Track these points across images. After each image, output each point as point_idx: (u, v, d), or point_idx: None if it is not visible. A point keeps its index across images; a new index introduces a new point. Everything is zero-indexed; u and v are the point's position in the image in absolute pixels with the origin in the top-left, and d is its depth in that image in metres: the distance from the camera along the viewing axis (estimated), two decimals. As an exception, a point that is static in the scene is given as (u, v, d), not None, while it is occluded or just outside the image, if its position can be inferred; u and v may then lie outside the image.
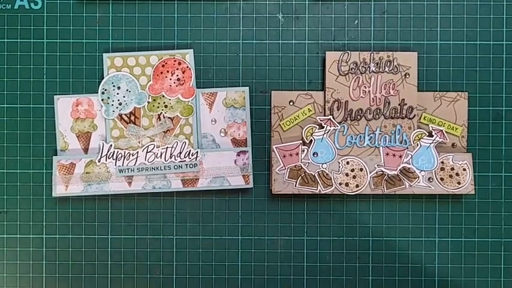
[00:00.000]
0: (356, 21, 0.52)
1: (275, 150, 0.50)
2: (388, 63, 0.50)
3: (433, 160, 0.50)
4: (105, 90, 0.50)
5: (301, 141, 0.50)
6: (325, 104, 0.51)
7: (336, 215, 0.52)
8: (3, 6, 0.52)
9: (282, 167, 0.50)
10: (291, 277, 0.52)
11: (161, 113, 0.51)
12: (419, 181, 0.50)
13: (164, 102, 0.51)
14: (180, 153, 0.50)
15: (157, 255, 0.52)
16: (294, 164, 0.50)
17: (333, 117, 0.50)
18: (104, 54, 0.51)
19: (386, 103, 0.50)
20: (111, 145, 0.50)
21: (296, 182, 0.50)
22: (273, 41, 0.52)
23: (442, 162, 0.50)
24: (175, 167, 0.50)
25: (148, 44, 0.52)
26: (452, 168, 0.50)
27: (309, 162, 0.50)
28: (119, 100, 0.50)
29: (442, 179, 0.50)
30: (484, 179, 0.52)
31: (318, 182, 0.50)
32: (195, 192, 0.52)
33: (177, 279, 0.52)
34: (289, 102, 0.51)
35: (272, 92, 0.51)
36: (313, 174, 0.50)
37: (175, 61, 0.51)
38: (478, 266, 0.52)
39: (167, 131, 0.51)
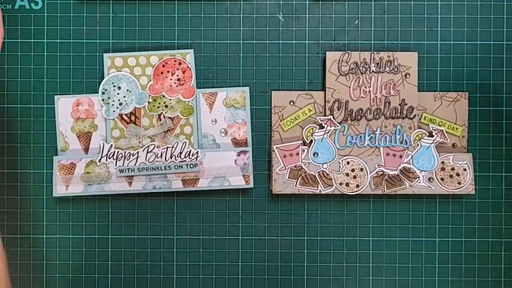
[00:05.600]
0: (356, 21, 0.52)
1: (275, 150, 0.50)
2: (389, 63, 0.50)
3: (433, 160, 0.50)
4: (106, 90, 0.50)
5: (301, 141, 0.50)
6: (325, 104, 0.51)
7: (336, 215, 0.52)
8: (4, 7, 0.52)
9: (283, 167, 0.50)
10: (291, 277, 0.52)
11: (161, 113, 0.51)
12: (419, 181, 0.50)
13: (164, 102, 0.51)
14: (181, 153, 0.50)
15: (157, 255, 0.52)
16: (294, 164, 0.50)
17: (333, 117, 0.50)
18: (104, 54, 0.51)
19: (387, 103, 0.50)
20: (111, 145, 0.50)
21: (296, 182, 0.50)
22: (274, 41, 0.52)
23: (443, 162, 0.50)
24: (176, 167, 0.50)
25: (148, 44, 0.52)
26: (453, 168, 0.50)
27: (309, 162, 0.50)
28: (119, 100, 0.51)
29: (442, 179, 0.50)
30: (485, 179, 0.52)
31: (318, 182, 0.50)
32: (195, 192, 0.52)
33: (178, 279, 0.52)
34: (290, 102, 0.51)
35: (272, 92, 0.51)
36: (313, 174, 0.50)
37: (175, 61, 0.51)
38: (478, 266, 0.52)
39: (167, 131, 0.51)
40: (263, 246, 0.52)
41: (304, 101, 0.51)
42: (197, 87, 0.51)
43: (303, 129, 0.51)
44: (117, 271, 0.52)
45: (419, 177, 0.50)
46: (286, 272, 0.52)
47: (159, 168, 0.50)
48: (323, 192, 0.50)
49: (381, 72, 0.50)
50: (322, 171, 0.50)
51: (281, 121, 0.51)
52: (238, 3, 0.52)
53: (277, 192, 0.50)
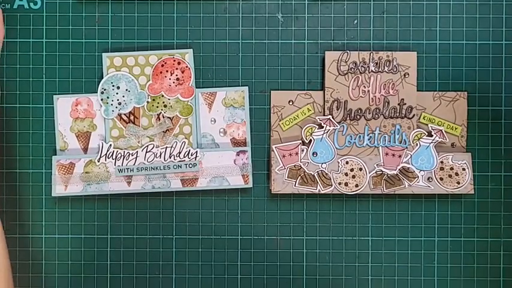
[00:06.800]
0: (355, 21, 0.52)
1: (275, 150, 0.50)
2: (388, 63, 0.50)
3: (432, 160, 0.50)
4: (105, 90, 0.50)
5: (300, 141, 0.50)
6: (324, 104, 0.51)
7: (336, 214, 0.52)
8: (3, 6, 0.51)
9: (282, 166, 0.50)
10: (291, 277, 0.52)
11: (160, 112, 0.51)
12: (418, 181, 0.50)
13: (163, 102, 0.51)
14: (180, 153, 0.50)
15: (156, 254, 0.52)
16: (293, 164, 0.50)
17: (333, 117, 0.50)
18: (103, 54, 0.51)
19: (386, 103, 0.50)
20: (110, 145, 0.50)
21: (296, 182, 0.50)
22: (273, 41, 0.52)
23: (442, 162, 0.50)
24: (175, 166, 0.50)
25: (147, 44, 0.52)
26: (452, 168, 0.50)
27: (308, 162, 0.50)
28: (118, 100, 0.50)
29: (441, 178, 0.50)
30: (483, 178, 0.52)
31: (317, 182, 0.50)
32: (194, 192, 0.52)
33: (177, 279, 0.52)
34: (289, 102, 0.51)
35: (271, 91, 0.51)
36: (312, 174, 0.50)
37: (174, 61, 0.51)
38: (478, 265, 0.52)
39: (166, 130, 0.51)
40: (262, 245, 0.52)
41: (303, 101, 0.51)
42: (196, 87, 0.51)
43: (302, 129, 0.51)
44: (116, 271, 0.52)
45: (418, 177, 0.50)
46: (285, 271, 0.52)
47: (158, 168, 0.50)
48: (322, 192, 0.50)
49: (380, 72, 0.50)
50: (321, 170, 0.50)
51: (280, 121, 0.51)
52: (237, 2, 0.52)
53: (276, 192, 0.50)
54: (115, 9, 0.52)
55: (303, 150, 0.50)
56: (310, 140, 0.51)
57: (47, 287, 0.52)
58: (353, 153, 0.51)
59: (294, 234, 0.52)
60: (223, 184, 0.51)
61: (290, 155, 0.50)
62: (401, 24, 0.52)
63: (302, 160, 0.50)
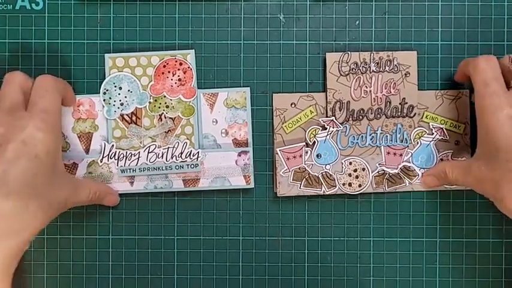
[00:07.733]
0: (357, 22, 0.52)
1: (279, 153, 0.50)
2: (388, 62, 0.50)
3: (432, 158, 0.50)
4: (107, 90, 0.50)
5: (304, 143, 0.51)
6: (327, 105, 0.51)
7: (337, 215, 0.52)
8: (5, 7, 0.51)
9: (286, 169, 0.50)
10: (292, 277, 0.52)
11: (162, 113, 0.51)
12: (419, 179, 0.50)
13: (165, 103, 0.51)
14: (182, 153, 0.50)
15: (158, 255, 0.52)
16: (298, 166, 0.50)
17: (335, 118, 0.50)
18: (105, 54, 0.51)
19: (387, 102, 0.51)
20: (112, 145, 0.50)
21: (300, 184, 0.50)
22: (274, 42, 0.52)
23: (442, 160, 0.50)
24: (177, 167, 0.50)
25: (149, 45, 0.52)
26: (453, 166, 0.50)
27: (312, 164, 0.50)
28: (120, 100, 0.50)
29: (442, 177, 0.50)
30: (485, 179, 0.52)
31: (321, 183, 0.50)
32: (196, 192, 0.52)
33: (178, 280, 0.52)
34: (291, 104, 0.51)
35: (273, 94, 0.51)
36: (317, 175, 0.50)
37: (176, 61, 0.51)
38: (479, 266, 0.52)
39: (168, 131, 0.51)
40: (264, 246, 0.52)
41: (305, 103, 0.51)
42: (198, 88, 0.51)
43: (305, 131, 0.51)
44: (118, 271, 0.52)
45: (418, 175, 0.50)
46: (287, 272, 0.52)
47: (160, 168, 0.50)
48: (327, 193, 0.50)
49: (381, 71, 0.50)
50: (326, 172, 0.50)
51: (283, 124, 0.51)
52: (239, 3, 0.52)
53: (282, 195, 0.50)
54: (117, 10, 0.52)
55: (306, 152, 0.50)
56: (314, 142, 0.51)
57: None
58: (356, 154, 0.51)
59: (296, 234, 0.52)
60: (225, 184, 0.51)
61: (294, 157, 0.50)
62: (403, 24, 0.52)
63: (306, 162, 0.50)
